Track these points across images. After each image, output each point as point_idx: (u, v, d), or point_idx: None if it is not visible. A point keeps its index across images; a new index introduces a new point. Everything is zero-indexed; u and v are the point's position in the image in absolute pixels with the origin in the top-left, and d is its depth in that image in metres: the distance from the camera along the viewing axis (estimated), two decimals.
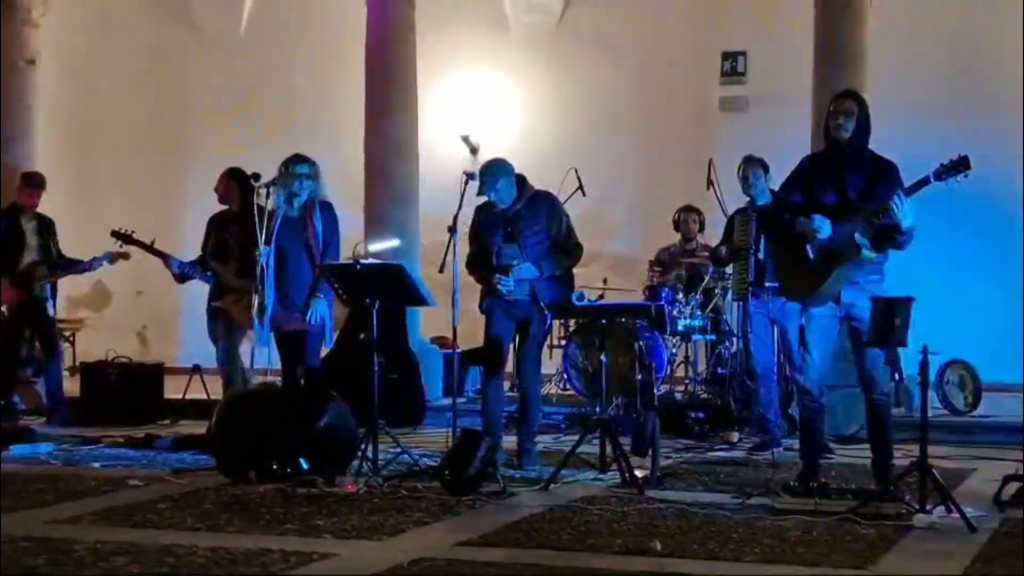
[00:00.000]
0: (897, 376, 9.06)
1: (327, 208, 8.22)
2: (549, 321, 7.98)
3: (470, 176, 7.74)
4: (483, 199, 7.79)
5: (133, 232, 9.33)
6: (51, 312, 10.22)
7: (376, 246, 9.29)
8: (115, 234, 9.35)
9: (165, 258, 9.21)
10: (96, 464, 7.95)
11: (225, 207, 9.17)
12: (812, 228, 6.25)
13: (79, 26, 13.86)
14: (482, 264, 7.76)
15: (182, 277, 9.27)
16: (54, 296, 10.30)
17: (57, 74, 12.58)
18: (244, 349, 8.99)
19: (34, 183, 10.26)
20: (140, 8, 14.52)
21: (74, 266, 10.16)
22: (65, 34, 12.90)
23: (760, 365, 8.53)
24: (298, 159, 8.18)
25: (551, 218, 7.76)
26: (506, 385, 10.96)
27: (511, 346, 8.14)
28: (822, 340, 6.48)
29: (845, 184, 6.40)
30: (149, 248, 9.27)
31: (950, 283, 11.17)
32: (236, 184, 9.00)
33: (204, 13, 14.33)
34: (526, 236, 7.67)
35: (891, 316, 6.07)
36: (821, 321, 6.47)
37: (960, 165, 6.03)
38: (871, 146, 6.49)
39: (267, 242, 7.94)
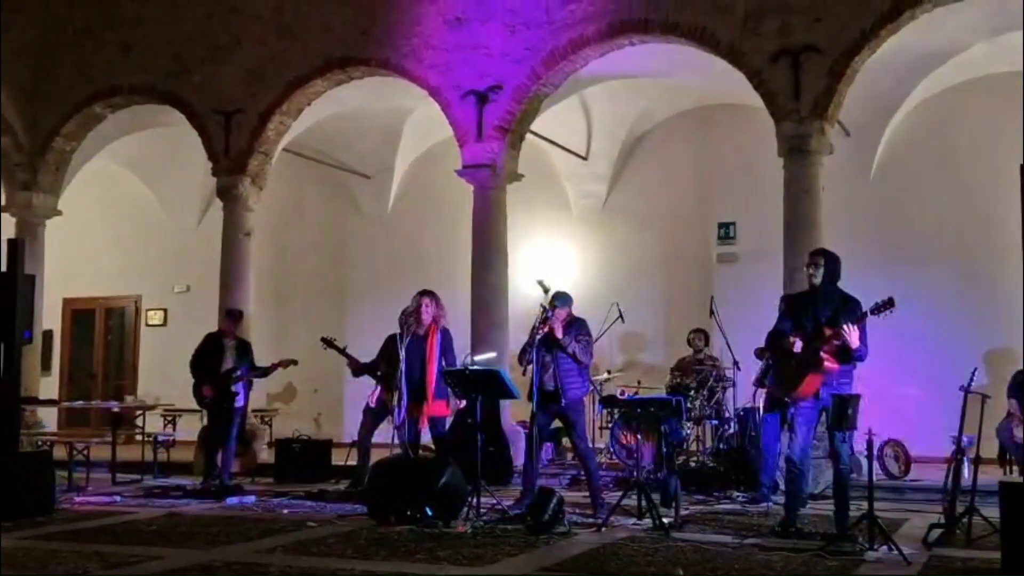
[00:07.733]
0: (850, 450, 8.88)
1: (445, 332, 8.29)
2: (576, 409, 7.65)
3: (542, 285, 7.69)
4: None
5: (335, 339, 9.44)
6: (237, 404, 9.62)
7: (480, 357, 9.28)
8: (323, 340, 9.42)
9: (351, 359, 9.25)
10: (285, 511, 7.97)
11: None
12: (789, 342, 6.37)
13: (279, 209, 14.21)
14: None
15: (357, 373, 9.27)
16: (247, 393, 9.82)
17: (264, 242, 12.88)
18: (382, 428, 9.00)
19: (232, 316, 10.11)
20: (320, 196, 14.93)
21: (261, 372, 9.83)
22: (270, 215, 13.27)
23: (763, 442, 8.29)
24: (424, 293, 8.33)
25: (578, 330, 7.62)
26: (568, 455, 10.93)
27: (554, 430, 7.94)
28: (805, 423, 6.40)
29: (818, 315, 6.42)
30: (342, 351, 9.33)
31: (889, 384, 10.92)
32: None
33: (363, 198, 14.65)
34: (564, 336, 7.51)
35: (845, 408, 6.06)
36: (805, 410, 6.40)
37: (888, 304, 6.06)
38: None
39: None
